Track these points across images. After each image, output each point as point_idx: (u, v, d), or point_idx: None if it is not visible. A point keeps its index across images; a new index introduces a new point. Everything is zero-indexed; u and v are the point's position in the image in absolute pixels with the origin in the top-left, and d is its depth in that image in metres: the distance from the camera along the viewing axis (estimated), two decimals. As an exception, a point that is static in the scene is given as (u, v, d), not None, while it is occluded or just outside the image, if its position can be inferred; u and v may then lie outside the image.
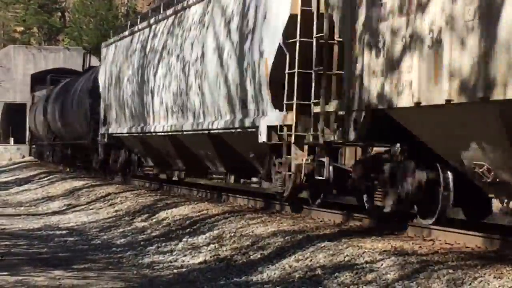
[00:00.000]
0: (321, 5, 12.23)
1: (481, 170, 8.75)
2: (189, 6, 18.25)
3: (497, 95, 7.84)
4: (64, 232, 15.49)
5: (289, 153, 13.14)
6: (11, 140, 58.92)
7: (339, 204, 13.99)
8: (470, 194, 10.17)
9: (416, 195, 10.35)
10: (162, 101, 19.15)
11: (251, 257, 10.62)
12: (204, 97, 16.46)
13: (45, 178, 31.71)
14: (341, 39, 11.39)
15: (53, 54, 60.09)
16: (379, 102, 10.01)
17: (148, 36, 21.13)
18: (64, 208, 20.59)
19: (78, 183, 26.17)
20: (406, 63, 9.38)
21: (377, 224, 11.50)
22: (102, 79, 26.13)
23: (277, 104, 13.44)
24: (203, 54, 16.62)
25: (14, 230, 15.81)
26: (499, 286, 7.31)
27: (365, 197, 11.55)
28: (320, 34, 12.06)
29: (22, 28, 70.54)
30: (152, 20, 20.99)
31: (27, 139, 56.88)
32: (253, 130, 14.03)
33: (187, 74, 17.44)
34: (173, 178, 20.99)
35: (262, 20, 14.03)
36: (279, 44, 13.24)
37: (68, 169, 36.01)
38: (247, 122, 14.38)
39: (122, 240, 13.96)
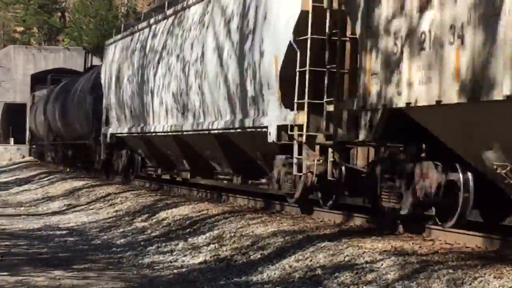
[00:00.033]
0: (334, 1, 11.97)
1: (504, 171, 8.48)
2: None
3: None
4: (64, 232, 15.49)
5: (300, 153, 12.75)
6: (11, 140, 58.96)
7: (340, 204, 13.96)
8: (490, 196, 9.86)
9: (435, 197, 9.99)
10: (168, 100, 18.87)
11: (251, 257, 10.62)
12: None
13: (45, 178, 31.71)
14: (355, 36, 11.05)
15: (53, 54, 60.14)
16: (397, 101, 9.70)
17: (153, 33, 20.77)
18: (64, 208, 20.59)
19: (78, 183, 26.17)
20: (426, 60, 9.08)
21: (377, 224, 11.50)
22: (104, 78, 25.90)
23: (287, 103, 13.09)
24: (202, 54, 16.61)
25: (14, 230, 15.81)
26: (499, 286, 7.31)
27: (379, 199, 11.07)
28: (333, 31, 11.78)
29: (22, 28, 70.57)
30: (167, 13, 20.31)
31: (27, 139, 56.89)
32: (262, 130, 13.73)
33: (187, 74, 17.43)
34: (177, 179, 20.86)
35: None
36: (290, 41, 12.87)
37: (68, 169, 35.97)
38: (256, 122, 14.09)
39: (122, 240, 13.96)
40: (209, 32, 16.40)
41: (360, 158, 11.87)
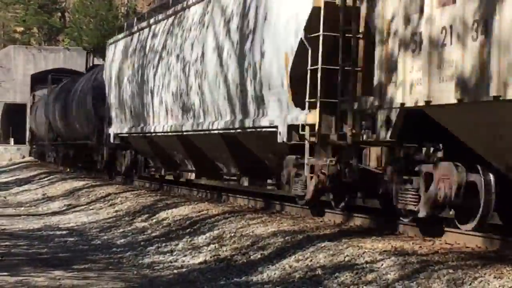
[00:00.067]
0: None
1: None
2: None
3: None
4: (64, 232, 15.49)
5: (311, 154, 12.29)
6: (11, 140, 58.97)
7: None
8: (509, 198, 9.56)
9: (455, 199, 9.56)
10: (170, 99, 18.61)
11: (251, 257, 10.62)
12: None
13: (45, 179, 31.71)
14: (371, 33, 10.66)
15: (53, 55, 60.14)
16: (415, 100, 9.35)
17: (161, 30, 20.22)
18: (64, 208, 20.59)
19: (78, 184, 26.17)
20: (448, 58, 8.73)
21: (376, 224, 11.49)
22: (107, 77, 25.31)
23: (297, 102, 12.64)
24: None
25: (14, 231, 15.81)
26: (499, 286, 7.31)
27: (395, 201, 10.55)
28: (347, 28, 11.39)
29: (22, 29, 70.55)
30: (171, 11, 19.86)
31: (27, 140, 56.88)
32: (271, 129, 13.34)
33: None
34: (181, 179, 20.65)
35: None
36: (301, 38, 12.39)
37: (69, 170, 35.89)
38: (265, 121, 13.72)
39: (122, 240, 13.96)
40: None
41: (373, 158, 11.40)
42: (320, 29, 12.03)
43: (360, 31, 11.21)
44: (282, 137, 12.92)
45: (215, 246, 11.71)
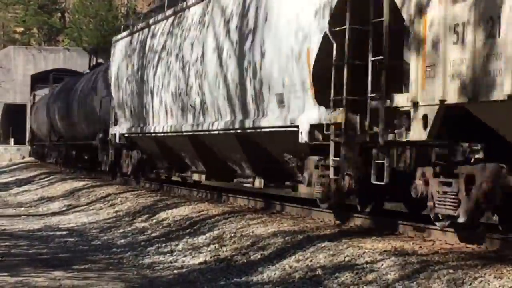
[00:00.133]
0: None
1: None
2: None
3: None
4: (64, 232, 15.50)
5: (336, 154, 11.38)
6: (11, 140, 59.00)
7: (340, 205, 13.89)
8: None
9: (500, 203, 8.94)
10: (176, 98, 18.05)
11: (252, 257, 10.63)
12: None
13: (45, 179, 31.72)
14: (406, 25, 9.72)
15: (53, 55, 60.20)
16: (457, 96, 8.65)
17: (169, 27, 19.47)
18: (64, 208, 20.59)
19: (78, 184, 26.16)
20: (494, 50, 8.06)
21: (376, 225, 11.49)
22: (112, 76, 24.46)
23: (320, 100, 11.83)
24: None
25: (14, 231, 15.82)
26: (499, 286, 7.31)
27: (430, 205, 9.75)
28: (379, 19, 10.32)
29: (22, 29, 70.59)
30: (178, 8, 18.98)
31: (27, 140, 56.88)
32: (292, 129, 12.56)
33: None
34: (189, 181, 20.35)
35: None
36: (325, 32, 11.49)
37: (71, 170, 35.78)
38: (286, 120, 12.86)
39: (122, 240, 13.96)
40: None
41: (406, 159, 10.69)
42: (347, 22, 11.12)
43: (393, 23, 10.22)
44: (304, 137, 12.16)
45: (215, 246, 11.72)
